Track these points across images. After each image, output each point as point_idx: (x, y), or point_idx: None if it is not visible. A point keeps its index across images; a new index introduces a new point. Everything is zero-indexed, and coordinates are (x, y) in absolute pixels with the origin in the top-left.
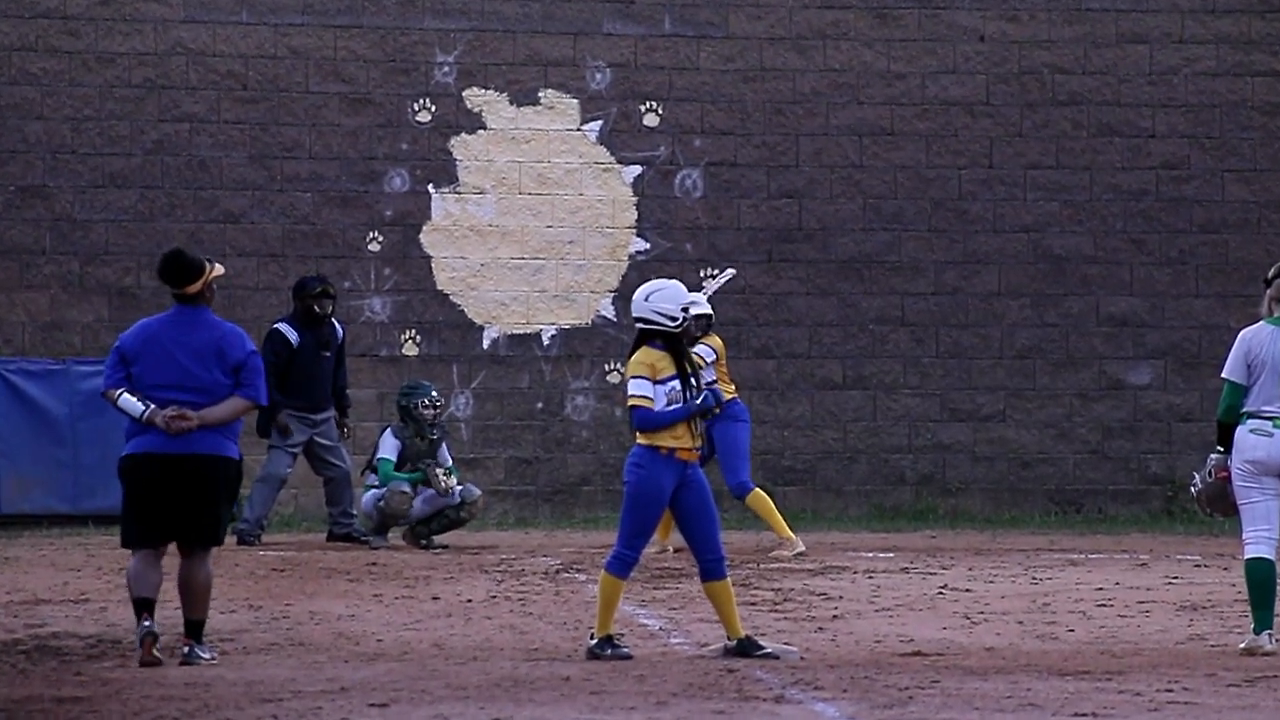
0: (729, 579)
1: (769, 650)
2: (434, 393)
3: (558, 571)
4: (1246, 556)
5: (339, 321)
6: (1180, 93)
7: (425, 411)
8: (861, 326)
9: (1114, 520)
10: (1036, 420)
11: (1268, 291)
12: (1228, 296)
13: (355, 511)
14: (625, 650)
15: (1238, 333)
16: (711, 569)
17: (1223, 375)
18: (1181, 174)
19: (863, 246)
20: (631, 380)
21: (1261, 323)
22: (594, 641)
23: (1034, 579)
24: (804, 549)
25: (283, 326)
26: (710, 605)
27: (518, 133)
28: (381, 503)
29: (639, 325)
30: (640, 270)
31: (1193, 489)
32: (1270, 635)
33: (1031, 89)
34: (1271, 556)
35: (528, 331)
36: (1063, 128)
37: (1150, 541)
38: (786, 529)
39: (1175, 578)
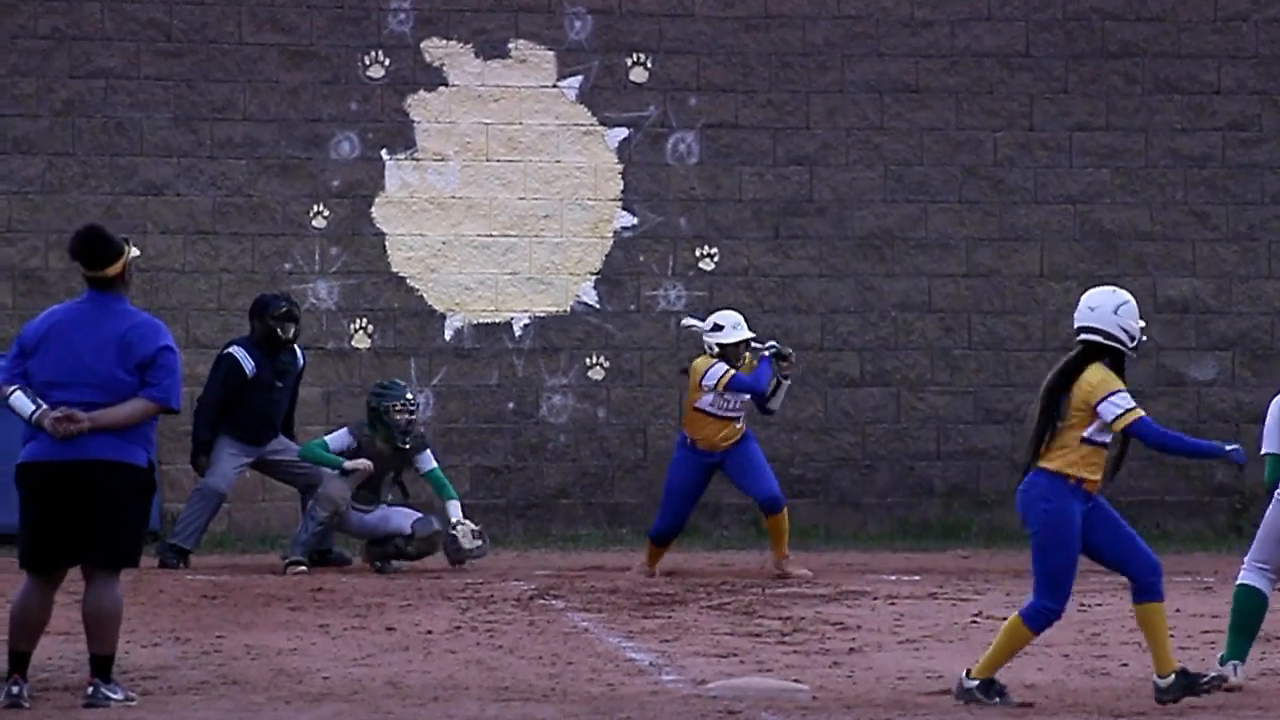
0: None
1: (1213, 676)
2: (409, 395)
3: (532, 598)
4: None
5: (301, 348)
6: (1249, 42)
7: (399, 416)
8: (883, 314)
9: (1174, 537)
10: None
11: None
12: None
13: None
14: (1014, 700)
15: None
16: (1151, 588)
17: (1262, 451)
18: (1251, 136)
19: (883, 221)
20: (1117, 394)
21: None
22: (974, 683)
23: (1082, 605)
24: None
25: (237, 352)
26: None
27: (485, 90)
28: (319, 491)
29: (1091, 338)
30: (626, 249)
31: None
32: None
33: (1078, 38)
34: (1262, 587)
35: (497, 320)
36: (1114, 83)
37: (1216, 562)
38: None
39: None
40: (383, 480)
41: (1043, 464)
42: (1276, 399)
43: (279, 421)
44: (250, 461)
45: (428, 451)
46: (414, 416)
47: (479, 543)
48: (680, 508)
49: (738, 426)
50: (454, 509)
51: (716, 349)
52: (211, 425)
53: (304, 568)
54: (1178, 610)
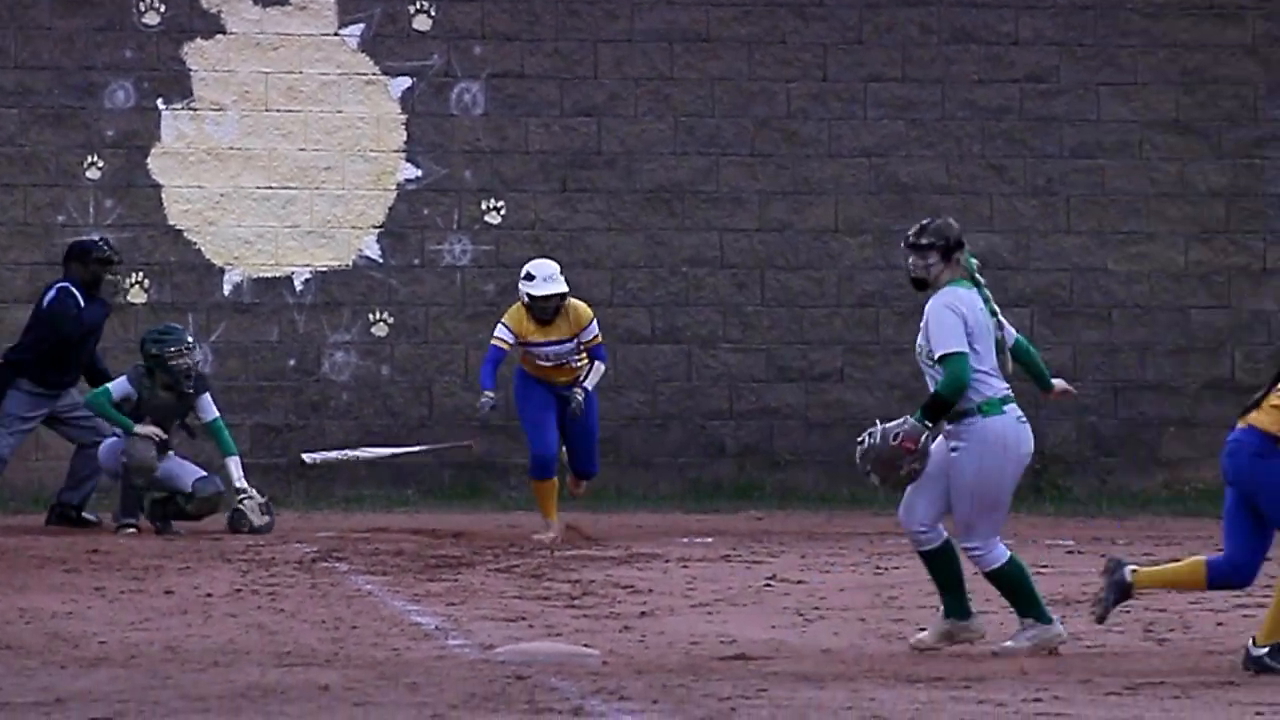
0: None
1: None
2: (190, 338)
3: (314, 560)
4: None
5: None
6: None
7: (180, 361)
8: (673, 269)
9: None
10: (880, 380)
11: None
12: (1104, 233)
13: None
14: None
15: (1113, 276)
16: None
17: (954, 350)
18: (1050, 87)
19: (674, 174)
20: None
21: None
22: (1263, 650)
23: (878, 569)
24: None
25: (72, 287)
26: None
27: (264, 38)
28: (123, 455)
29: None
30: (410, 202)
31: (861, 445)
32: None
33: None
34: None
35: (277, 275)
36: (909, 33)
37: (1015, 524)
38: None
39: (1044, 566)
40: (169, 429)
41: (1252, 421)
42: (933, 303)
43: (78, 373)
44: (37, 419)
45: (208, 396)
46: (195, 360)
47: (266, 518)
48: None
49: (575, 367)
50: (234, 467)
51: (527, 299)
52: (23, 350)
53: (134, 529)
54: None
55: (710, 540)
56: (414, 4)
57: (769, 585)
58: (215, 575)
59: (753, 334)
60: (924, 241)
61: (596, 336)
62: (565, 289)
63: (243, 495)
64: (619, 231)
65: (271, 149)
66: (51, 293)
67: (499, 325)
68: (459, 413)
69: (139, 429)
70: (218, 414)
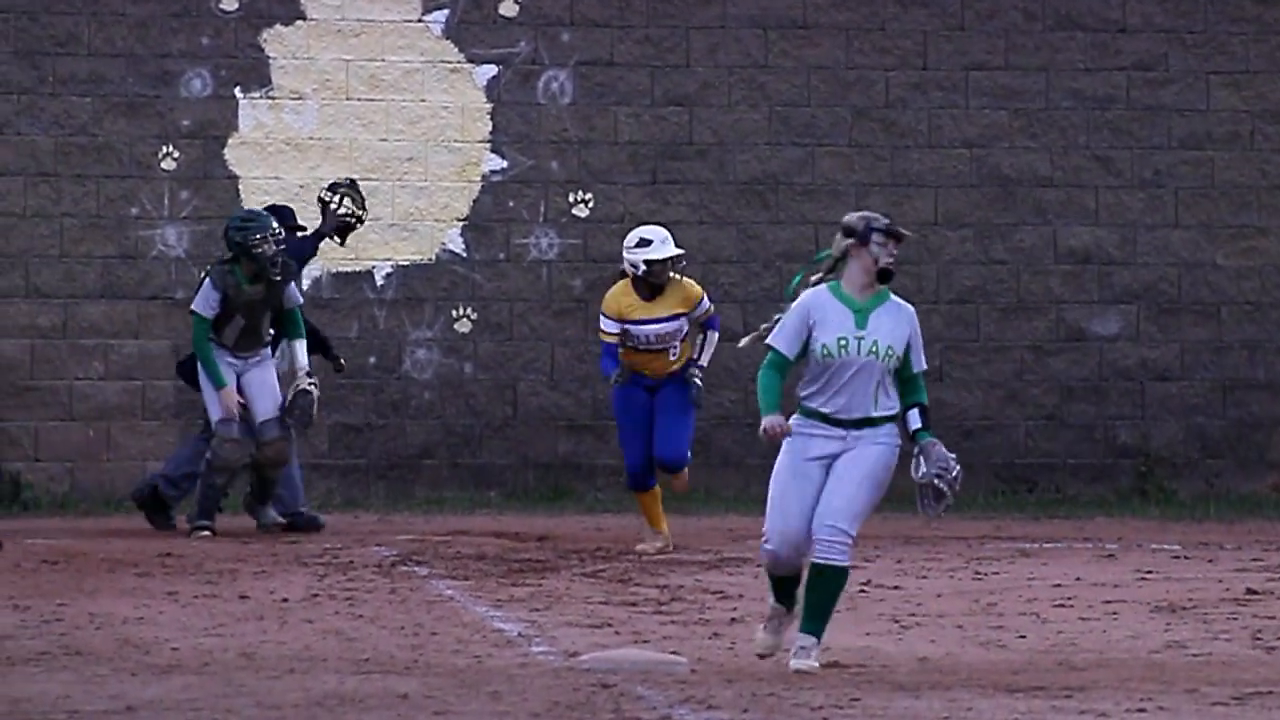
0: None
1: None
2: (274, 224)
3: (393, 564)
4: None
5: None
6: None
7: (266, 247)
8: (767, 263)
9: (1074, 501)
10: (980, 379)
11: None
12: (1213, 227)
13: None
14: None
15: (1222, 271)
16: None
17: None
18: (1158, 76)
19: (768, 165)
20: None
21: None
22: None
23: (977, 574)
24: (667, 544)
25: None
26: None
27: (345, 24)
28: (209, 455)
29: None
30: (495, 194)
31: (947, 492)
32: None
33: None
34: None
35: (357, 269)
36: (1012, 19)
37: (1119, 527)
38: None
39: (1149, 572)
40: (259, 324)
41: None
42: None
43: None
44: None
45: (293, 286)
46: (281, 245)
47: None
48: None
49: (670, 358)
50: (300, 349)
51: (641, 268)
52: None
53: (208, 532)
54: (1078, 579)
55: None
56: None
57: (863, 591)
58: (291, 579)
59: None
60: (902, 232)
61: (711, 307)
62: (679, 251)
63: (310, 380)
64: (711, 225)
65: (352, 139)
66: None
67: (602, 319)
68: (544, 412)
69: (223, 397)
70: (300, 301)
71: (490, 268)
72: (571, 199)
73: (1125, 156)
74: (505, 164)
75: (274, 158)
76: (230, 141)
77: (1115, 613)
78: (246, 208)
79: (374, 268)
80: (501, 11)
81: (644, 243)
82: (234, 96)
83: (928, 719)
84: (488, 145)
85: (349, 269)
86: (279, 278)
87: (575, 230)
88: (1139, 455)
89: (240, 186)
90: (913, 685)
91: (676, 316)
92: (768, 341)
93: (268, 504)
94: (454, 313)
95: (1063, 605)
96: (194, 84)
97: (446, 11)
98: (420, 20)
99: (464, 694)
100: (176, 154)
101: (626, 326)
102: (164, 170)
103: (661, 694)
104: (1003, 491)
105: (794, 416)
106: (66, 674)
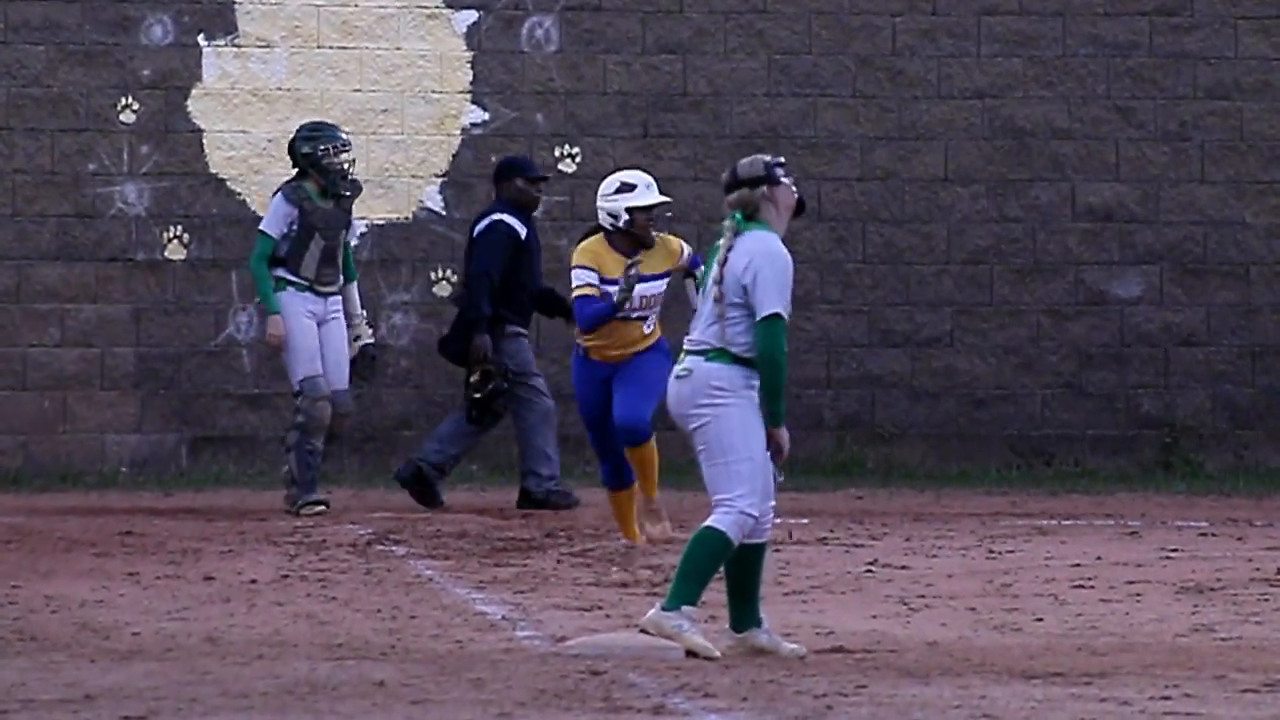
0: None
1: None
2: (343, 134)
3: (369, 543)
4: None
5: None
6: None
7: (339, 159)
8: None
9: (1094, 475)
10: (994, 345)
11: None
12: (1241, 182)
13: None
14: None
15: (1251, 230)
16: None
17: (780, 310)
18: (1183, 21)
19: (767, 117)
20: None
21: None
22: None
23: (990, 553)
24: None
25: (505, 218)
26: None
27: None
28: (301, 418)
29: None
30: (476, 148)
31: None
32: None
33: None
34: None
35: None
36: None
37: (1142, 503)
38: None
39: (1174, 550)
40: (339, 247)
41: None
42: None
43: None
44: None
45: (351, 217)
46: (353, 157)
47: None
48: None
49: (645, 331)
50: (356, 296)
51: (624, 217)
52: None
53: (323, 506)
54: (1098, 558)
55: (806, 521)
56: None
57: (870, 571)
58: (260, 559)
59: (853, 294)
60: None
61: (690, 254)
62: (668, 199)
63: (369, 333)
64: (706, 181)
65: (324, 90)
66: (480, 226)
67: (575, 271)
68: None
69: (310, 390)
70: (357, 238)
71: None
72: (558, 153)
73: (1148, 107)
74: (487, 116)
75: (240, 110)
76: (193, 92)
77: (1138, 594)
78: (314, 119)
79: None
80: None
81: (626, 187)
82: (197, 44)
83: (938, 707)
84: (468, 96)
85: None
86: (349, 193)
87: (562, 186)
88: (1163, 426)
89: (204, 141)
90: (922, 671)
91: (662, 275)
92: (774, 312)
93: (307, 485)
94: (433, 275)
95: (1082, 586)
96: (155, 31)
97: None
98: None
99: (444, 681)
100: (136, 106)
101: (605, 287)
102: (123, 123)
103: (655, 681)
104: (1018, 465)
105: (732, 367)
106: (21, 660)
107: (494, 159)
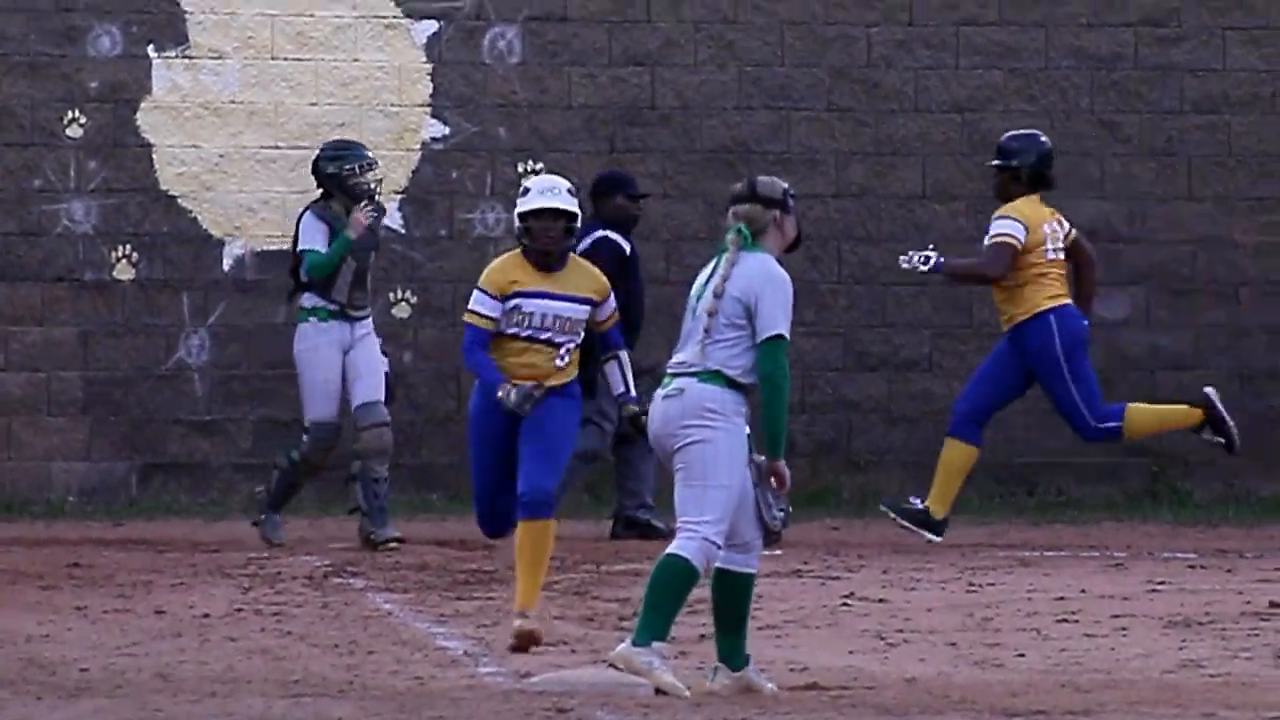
0: None
1: None
2: (368, 152)
3: (326, 575)
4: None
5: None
6: None
7: (365, 178)
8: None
9: (1079, 505)
10: (973, 369)
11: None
12: (1230, 199)
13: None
14: None
15: (1241, 249)
16: None
17: (784, 332)
18: (1170, 33)
19: (737, 131)
20: None
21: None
22: None
23: (971, 585)
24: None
25: (610, 234)
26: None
27: None
28: (298, 453)
29: None
30: (436, 163)
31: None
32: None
33: None
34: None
35: (284, 248)
36: None
37: (1128, 534)
38: None
39: (1161, 583)
40: (369, 268)
41: None
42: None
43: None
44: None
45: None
46: (379, 179)
47: None
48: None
49: (558, 364)
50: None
51: (519, 225)
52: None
53: (398, 541)
54: (1083, 591)
55: (779, 553)
56: None
57: (846, 604)
58: (213, 593)
59: (828, 315)
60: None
61: (615, 313)
62: (575, 209)
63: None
64: (675, 198)
65: (278, 103)
66: (585, 244)
67: (474, 295)
68: None
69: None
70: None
71: (431, 245)
72: (521, 169)
73: (1133, 121)
74: (447, 130)
75: (191, 123)
76: (143, 105)
77: (1124, 628)
78: (337, 138)
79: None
80: None
81: (524, 192)
82: (147, 56)
83: None
84: (428, 110)
85: (276, 247)
86: (377, 214)
87: None
88: (1150, 453)
89: (154, 156)
90: (900, 709)
91: (583, 301)
92: (779, 333)
93: (377, 516)
94: (391, 296)
95: (1065, 620)
96: (102, 42)
97: None
98: None
99: (404, 718)
100: (83, 119)
101: (515, 302)
102: (70, 138)
103: (623, 719)
104: (1000, 494)
105: (726, 390)
106: None
107: (454, 175)
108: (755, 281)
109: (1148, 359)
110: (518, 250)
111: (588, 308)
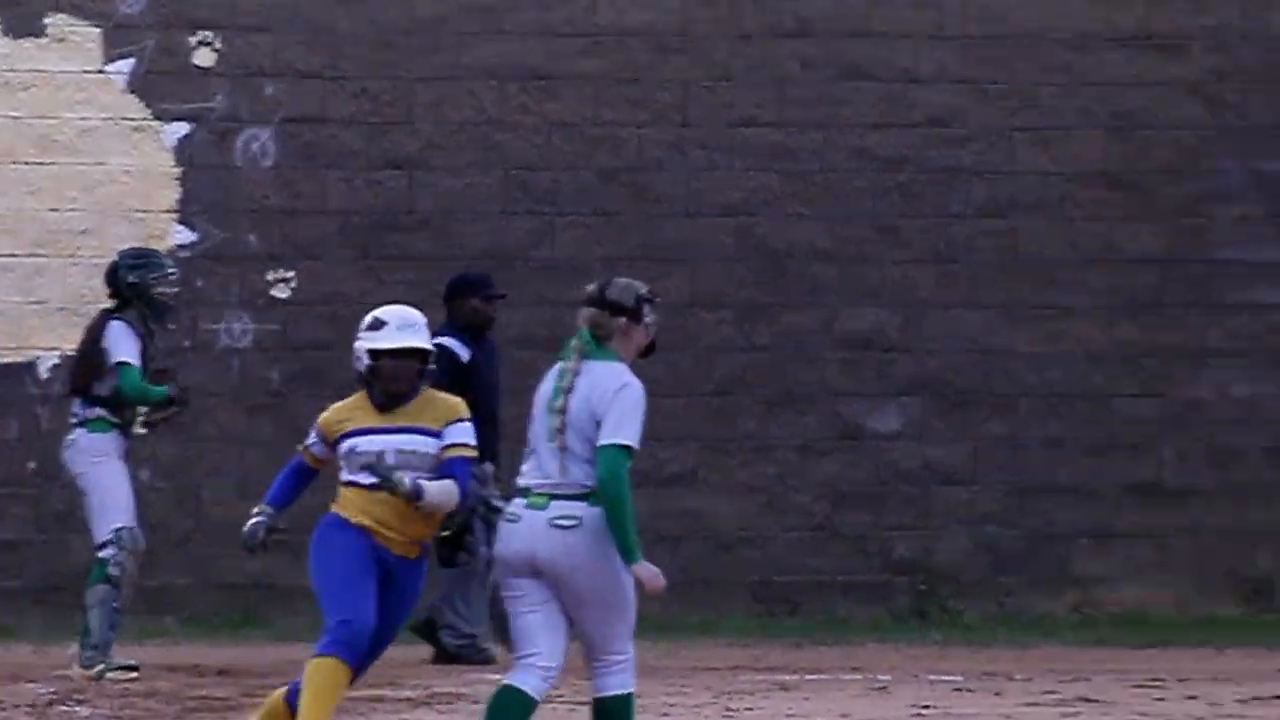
0: None
1: None
2: (170, 263)
3: (50, 704)
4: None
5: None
6: (953, 20)
7: (168, 290)
8: (501, 348)
9: (844, 625)
10: (739, 483)
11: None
12: (1013, 307)
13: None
14: None
15: (1022, 358)
16: None
17: (630, 442)
18: (956, 133)
19: (501, 237)
20: None
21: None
22: None
23: (728, 711)
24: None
25: (445, 340)
26: None
27: (13, 75)
28: (113, 570)
29: None
30: (183, 271)
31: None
32: None
33: (745, 13)
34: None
35: (18, 360)
36: (788, 68)
37: (894, 655)
38: None
39: (926, 707)
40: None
41: None
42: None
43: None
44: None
45: None
46: (178, 290)
47: None
48: None
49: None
50: None
51: (365, 361)
52: None
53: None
54: (843, 716)
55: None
56: (194, 35)
57: None
58: None
59: None
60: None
61: (469, 444)
62: (428, 345)
63: None
64: (434, 307)
65: (16, 209)
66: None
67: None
68: (231, 525)
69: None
70: None
71: (172, 357)
72: (271, 277)
73: (915, 226)
74: (195, 236)
75: None
76: None
77: None
78: (135, 247)
79: (38, 359)
80: (196, 60)
81: (376, 324)
82: None
83: None
84: (175, 215)
85: (8, 360)
86: (173, 326)
87: (274, 314)
88: (919, 571)
89: None
90: None
91: (423, 431)
92: (624, 442)
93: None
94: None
95: None
96: None
97: (133, 61)
98: (102, 71)
99: None
100: None
101: (348, 440)
102: None
103: None
104: (761, 614)
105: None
106: None
107: (200, 284)
108: (599, 391)
109: (920, 473)
110: (362, 393)
111: (430, 439)
